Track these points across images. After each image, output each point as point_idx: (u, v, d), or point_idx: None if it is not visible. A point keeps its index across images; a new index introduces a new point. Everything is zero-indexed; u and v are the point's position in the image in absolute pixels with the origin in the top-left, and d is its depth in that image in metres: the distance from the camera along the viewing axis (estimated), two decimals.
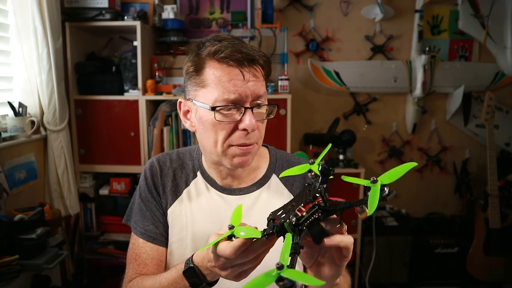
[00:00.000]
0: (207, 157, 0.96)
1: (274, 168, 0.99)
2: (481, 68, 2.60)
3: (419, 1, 2.47)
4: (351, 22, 2.59)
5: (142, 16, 2.21)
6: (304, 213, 0.59)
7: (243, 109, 0.81)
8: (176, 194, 0.98)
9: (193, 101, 0.86)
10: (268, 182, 0.97)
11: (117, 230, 2.26)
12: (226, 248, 0.64)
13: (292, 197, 0.94)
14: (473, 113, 2.63)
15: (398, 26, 2.58)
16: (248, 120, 0.80)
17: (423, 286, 2.55)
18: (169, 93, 2.19)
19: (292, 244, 0.56)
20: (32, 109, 1.97)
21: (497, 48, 2.43)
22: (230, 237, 0.65)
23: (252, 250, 0.64)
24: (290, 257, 0.53)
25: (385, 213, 2.62)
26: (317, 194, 0.61)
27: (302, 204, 0.60)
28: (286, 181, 0.97)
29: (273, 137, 2.19)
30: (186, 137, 2.23)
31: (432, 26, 2.61)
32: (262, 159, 0.99)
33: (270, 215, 0.64)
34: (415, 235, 2.47)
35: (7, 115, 1.87)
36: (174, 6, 2.38)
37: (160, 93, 2.20)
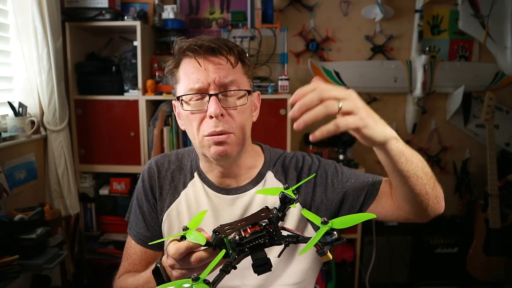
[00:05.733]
0: (199, 155, 0.96)
1: (269, 165, 0.98)
2: (481, 68, 2.60)
3: (419, 1, 2.47)
4: (351, 22, 2.59)
5: (142, 16, 2.21)
6: (248, 235, 0.57)
7: (208, 97, 0.83)
8: (174, 196, 0.98)
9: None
10: (263, 180, 0.96)
11: (117, 230, 2.26)
12: (171, 247, 0.64)
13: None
14: (473, 113, 2.62)
15: (398, 26, 2.58)
16: (212, 106, 0.82)
17: (423, 286, 2.54)
18: (169, 93, 2.19)
19: (226, 262, 0.56)
20: (32, 109, 1.97)
21: (497, 48, 2.43)
22: (182, 238, 0.64)
23: (198, 257, 0.63)
24: (218, 274, 0.53)
25: None
26: (269, 220, 0.59)
27: (250, 226, 0.59)
28: (280, 176, 0.96)
29: (273, 137, 2.19)
30: (186, 137, 2.23)
31: (432, 26, 2.60)
32: (257, 158, 0.98)
33: (217, 227, 0.63)
34: (415, 235, 2.47)
35: (7, 115, 1.87)
36: (174, 6, 2.38)
37: (160, 93, 2.20)
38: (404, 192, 0.78)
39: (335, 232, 0.52)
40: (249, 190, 0.95)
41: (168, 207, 0.98)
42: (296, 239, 0.58)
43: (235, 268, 0.56)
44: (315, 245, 0.54)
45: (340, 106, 0.63)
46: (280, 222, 0.61)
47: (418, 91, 2.52)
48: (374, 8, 2.53)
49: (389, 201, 0.87)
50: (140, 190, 1.01)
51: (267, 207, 0.64)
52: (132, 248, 0.99)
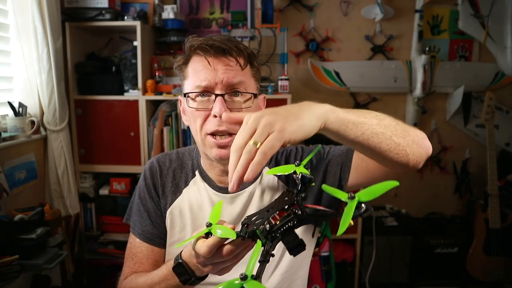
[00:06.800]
0: (201, 153, 0.97)
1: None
2: (481, 68, 2.60)
3: (419, 1, 2.47)
4: (351, 22, 2.59)
5: (142, 16, 2.21)
6: (278, 221, 0.58)
7: (214, 97, 0.84)
8: (176, 194, 0.99)
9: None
10: (260, 175, 0.96)
11: (117, 230, 2.26)
12: (201, 246, 0.64)
13: (281, 183, 0.95)
14: (473, 113, 2.63)
15: (398, 26, 2.58)
16: (217, 106, 0.82)
17: (423, 286, 2.54)
18: (169, 93, 2.19)
19: (263, 251, 0.56)
20: (32, 109, 1.97)
21: (497, 48, 2.43)
22: (208, 235, 0.64)
23: (229, 250, 0.63)
24: (258, 266, 0.53)
25: (385, 213, 2.62)
26: (294, 202, 0.59)
27: (277, 212, 0.59)
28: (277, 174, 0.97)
29: None
30: (186, 137, 2.23)
31: (432, 26, 2.61)
32: None
33: (245, 219, 0.63)
34: (415, 235, 2.47)
35: (7, 115, 1.87)
36: (174, 6, 2.37)
37: (160, 93, 2.19)
38: (374, 153, 0.73)
39: (363, 205, 0.51)
40: (247, 187, 0.95)
41: (170, 205, 0.98)
42: (326, 216, 0.58)
43: (273, 255, 0.56)
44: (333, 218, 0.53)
45: (254, 143, 0.59)
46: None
47: (418, 91, 2.52)
48: (374, 8, 2.53)
49: (371, 164, 0.85)
50: (143, 188, 1.01)
51: (288, 189, 0.64)
52: (137, 247, 0.99)
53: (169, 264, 0.80)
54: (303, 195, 0.61)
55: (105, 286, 2.30)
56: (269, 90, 2.20)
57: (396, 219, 2.55)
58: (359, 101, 2.64)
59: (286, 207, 0.59)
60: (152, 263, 0.96)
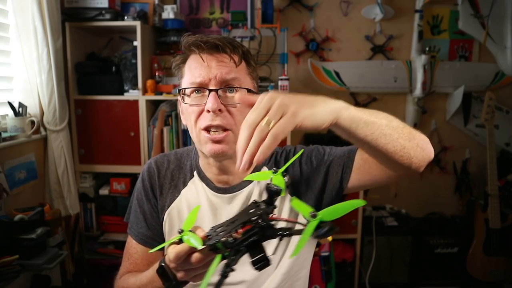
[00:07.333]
0: (198, 152, 0.97)
1: (264, 161, 0.97)
2: (481, 68, 2.60)
3: (419, 1, 2.47)
4: (351, 22, 2.59)
5: (142, 16, 2.21)
6: (239, 236, 0.57)
7: (208, 92, 0.84)
8: (174, 195, 0.98)
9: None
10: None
11: (117, 230, 2.26)
12: (170, 252, 0.64)
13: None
14: (473, 113, 2.63)
15: (398, 26, 2.58)
16: (210, 101, 0.83)
17: (423, 286, 2.54)
18: (169, 93, 2.19)
19: (225, 265, 0.55)
20: (32, 109, 1.97)
21: (497, 48, 2.43)
22: (181, 241, 0.64)
23: (198, 258, 0.63)
24: (218, 279, 0.52)
25: (385, 213, 2.62)
26: (260, 215, 0.58)
27: (242, 225, 0.58)
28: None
29: None
30: (186, 137, 2.23)
31: (432, 26, 2.60)
32: None
33: (210, 229, 0.62)
34: (415, 235, 2.47)
35: (7, 115, 1.87)
36: (174, 6, 2.37)
37: (160, 93, 2.20)
38: (380, 154, 0.74)
39: (326, 223, 0.50)
40: (245, 187, 0.95)
41: (169, 206, 0.98)
42: (289, 231, 0.57)
43: (233, 270, 0.55)
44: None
45: (267, 122, 0.58)
46: (273, 212, 0.60)
47: (418, 91, 2.52)
48: (374, 8, 2.53)
49: (374, 166, 0.84)
50: (140, 189, 1.01)
51: (255, 201, 0.63)
52: (133, 248, 0.99)
53: (156, 266, 0.80)
54: (268, 209, 0.59)
55: (105, 286, 2.30)
56: (269, 90, 2.20)
57: (396, 219, 2.55)
58: (359, 101, 2.64)
59: (252, 219, 0.58)
60: (146, 264, 0.96)
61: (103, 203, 2.27)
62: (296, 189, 0.94)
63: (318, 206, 0.92)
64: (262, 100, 0.61)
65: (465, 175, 2.69)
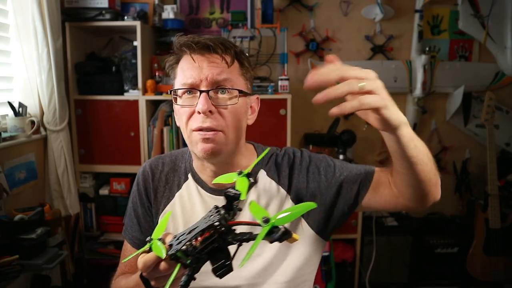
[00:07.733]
0: (192, 154, 0.95)
1: (262, 164, 0.96)
2: (481, 68, 2.60)
3: (419, 1, 2.47)
4: (351, 22, 2.59)
5: (142, 16, 2.21)
6: (199, 244, 0.56)
7: (198, 93, 0.84)
8: (169, 198, 0.98)
9: None
10: (255, 179, 0.94)
11: (117, 230, 2.25)
12: (139, 261, 0.64)
13: (282, 188, 0.93)
14: (473, 113, 2.62)
15: (398, 26, 2.58)
16: (200, 103, 0.82)
17: (423, 286, 2.54)
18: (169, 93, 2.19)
19: (186, 274, 0.54)
20: (32, 109, 1.98)
21: (497, 48, 2.43)
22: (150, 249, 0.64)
23: (164, 267, 0.63)
24: None
25: (385, 213, 2.62)
26: (218, 221, 0.57)
27: (201, 232, 0.57)
28: (272, 174, 0.95)
29: (273, 137, 2.19)
30: None
31: (432, 26, 2.61)
32: (251, 157, 0.96)
33: (173, 237, 0.62)
34: (415, 235, 2.47)
35: (7, 115, 1.87)
36: (174, 6, 2.38)
37: (160, 93, 2.20)
38: (410, 178, 0.76)
39: (280, 227, 0.51)
40: None
41: (163, 209, 0.97)
42: (248, 238, 0.56)
43: (194, 279, 0.55)
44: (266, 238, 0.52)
45: (361, 86, 0.60)
46: (233, 218, 0.60)
47: (418, 91, 2.52)
48: (374, 8, 2.53)
49: (387, 190, 0.85)
50: (135, 193, 1.01)
51: (216, 206, 0.63)
52: (128, 251, 1.00)
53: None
54: (227, 215, 0.59)
55: (105, 286, 2.30)
56: (269, 90, 2.20)
57: (396, 219, 2.55)
58: None
59: (211, 225, 0.57)
60: None
61: (103, 203, 2.27)
62: (299, 198, 0.92)
63: (327, 219, 0.92)
64: (366, 69, 0.62)
65: (465, 175, 2.69)
